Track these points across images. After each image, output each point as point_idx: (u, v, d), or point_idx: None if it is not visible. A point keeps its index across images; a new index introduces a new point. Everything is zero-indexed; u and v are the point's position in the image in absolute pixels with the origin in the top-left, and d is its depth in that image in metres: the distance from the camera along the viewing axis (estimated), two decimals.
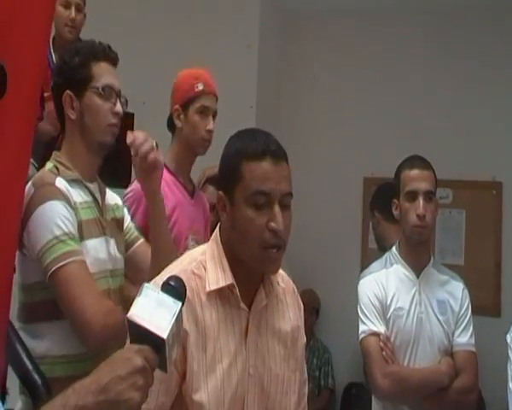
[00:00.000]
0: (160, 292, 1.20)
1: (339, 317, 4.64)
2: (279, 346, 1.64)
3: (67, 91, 1.97)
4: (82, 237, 1.89)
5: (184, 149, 2.59)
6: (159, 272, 1.78)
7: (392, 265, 2.60)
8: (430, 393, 2.46)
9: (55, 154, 2.03)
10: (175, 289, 1.22)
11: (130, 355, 1.11)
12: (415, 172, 2.52)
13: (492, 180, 4.33)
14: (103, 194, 2.06)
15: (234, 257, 1.58)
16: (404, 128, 4.43)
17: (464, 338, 2.53)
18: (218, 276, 1.56)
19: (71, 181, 1.94)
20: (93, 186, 2.02)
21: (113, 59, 2.01)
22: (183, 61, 4.09)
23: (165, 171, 2.45)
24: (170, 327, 1.15)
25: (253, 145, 1.53)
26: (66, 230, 1.83)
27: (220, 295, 1.56)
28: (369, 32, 4.65)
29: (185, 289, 1.25)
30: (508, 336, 2.41)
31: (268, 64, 4.50)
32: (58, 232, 1.82)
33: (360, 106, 4.55)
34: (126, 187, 2.48)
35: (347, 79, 4.65)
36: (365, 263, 4.32)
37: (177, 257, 1.93)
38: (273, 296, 1.65)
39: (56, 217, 1.83)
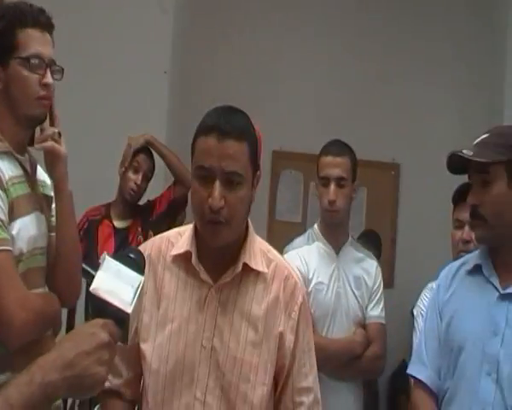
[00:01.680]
0: (121, 265, 1.19)
1: None
2: (247, 329, 1.62)
3: None
4: (13, 217, 1.81)
5: None
6: (62, 274, 1.92)
7: (313, 241, 2.75)
8: (345, 361, 2.65)
9: None
10: (135, 261, 1.23)
11: (96, 330, 1.11)
12: (328, 158, 2.66)
13: (392, 162, 4.60)
14: (34, 167, 1.97)
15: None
16: (312, 105, 4.57)
17: (376, 311, 2.74)
18: (183, 244, 1.65)
19: (1, 154, 1.83)
20: (23, 159, 1.92)
21: (44, 24, 1.85)
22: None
23: None
24: (134, 302, 1.16)
25: (207, 121, 1.57)
26: None
27: (185, 262, 1.64)
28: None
29: (144, 262, 1.28)
30: (414, 310, 2.67)
31: (183, 30, 4.48)
32: None
33: (271, 76, 4.62)
34: None
35: (262, 47, 4.69)
36: (272, 235, 4.49)
37: (79, 263, 2.02)
38: (249, 278, 1.64)
39: None
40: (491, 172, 1.83)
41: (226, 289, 1.63)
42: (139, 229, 3.44)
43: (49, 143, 1.89)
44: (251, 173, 1.61)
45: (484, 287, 1.87)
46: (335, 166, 2.63)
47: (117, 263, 1.19)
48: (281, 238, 2.89)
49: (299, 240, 2.80)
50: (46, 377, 1.06)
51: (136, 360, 1.66)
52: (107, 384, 1.61)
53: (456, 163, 1.90)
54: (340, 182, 2.63)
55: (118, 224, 3.47)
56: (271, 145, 4.64)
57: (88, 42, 4.05)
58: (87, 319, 2.51)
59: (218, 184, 1.53)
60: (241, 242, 1.65)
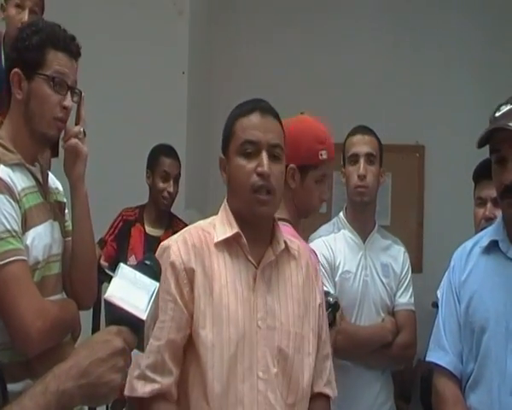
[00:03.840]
0: (137, 272, 1.19)
1: None
2: (292, 303, 1.72)
3: (16, 69, 1.87)
4: (26, 227, 1.84)
5: (298, 211, 2.28)
6: (78, 276, 1.95)
7: (339, 230, 2.74)
8: (375, 348, 2.63)
9: None
10: (150, 268, 1.22)
11: (110, 337, 1.11)
12: (357, 137, 2.68)
13: (416, 144, 4.55)
14: (45, 176, 2.00)
15: (239, 215, 1.71)
16: (332, 94, 4.54)
17: (405, 299, 2.73)
18: (225, 229, 1.71)
19: (13, 165, 1.86)
20: (35, 169, 1.95)
21: (73, 52, 1.92)
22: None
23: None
24: (149, 308, 1.15)
25: (245, 106, 1.74)
26: (9, 226, 1.77)
27: (228, 247, 1.70)
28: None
29: (160, 269, 1.27)
30: (438, 291, 2.65)
31: (200, 30, 4.50)
32: None
33: (291, 68, 4.59)
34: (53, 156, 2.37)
35: (275, 42, 4.66)
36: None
37: (95, 264, 2.05)
38: (284, 256, 1.74)
39: None
40: None
41: (268, 268, 1.72)
42: None
43: (73, 141, 1.94)
44: (284, 157, 1.74)
45: (502, 263, 1.84)
46: (365, 143, 2.65)
47: (132, 270, 1.20)
48: (306, 229, 2.87)
49: (324, 228, 2.80)
50: (61, 385, 1.06)
51: (181, 355, 1.67)
52: (155, 386, 1.62)
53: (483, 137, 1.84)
54: (369, 158, 2.62)
55: (150, 230, 3.45)
56: None
57: (105, 45, 4.09)
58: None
59: (264, 154, 1.66)
60: (273, 223, 1.76)
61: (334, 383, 1.84)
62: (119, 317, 1.14)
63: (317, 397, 1.79)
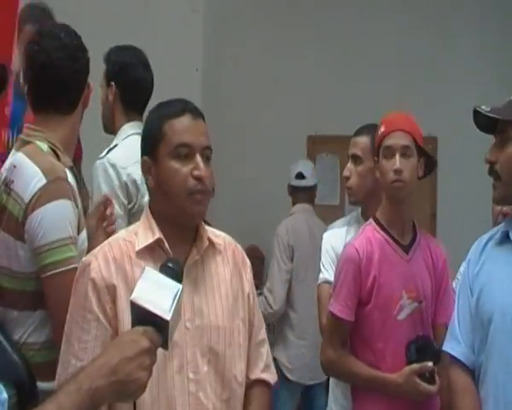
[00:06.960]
0: (160, 274, 1.28)
1: None
2: (220, 299, 1.72)
3: None
4: (78, 230, 1.95)
5: (386, 199, 2.38)
6: None
7: (353, 224, 2.77)
8: None
9: (39, 131, 1.99)
10: (173, 270, 1.31)
11: (137, 337, 1.19)
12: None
13: (428, 136, 4.55)
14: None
15: (163, 217, 1.69)
16: (347, 87, 4.58)
17: None
18: (146, 235, 1.68)
19: (68, 168, 1.96)
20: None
21: None
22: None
23: (376, 229, 2.35)
24: (173, 309, 1.23)
25: (173, 106, 1.71)
26: (72, 234, 1.88)
27: (151, 254, 1.67)
28: None
29: (182, 271, 1.35)
30: (453, 283, 2.68)
31: (214, 27, 4.55)
32: (64, 235, 1.87)
33: (304, 64, 4.66)
34: None
35: (289, 38, 4.73)
36: None
37: None
38: (209, 252, 1.74)
39: (66, 219, 1.88)
40: (508, 131, 1.82)
41: (194, 267, 1.70)
42: None
43: (113, 228, 2.13)
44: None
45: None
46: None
47: (156, 273, 1.28)
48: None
49: (339, 221, 2.79)
50: (93, 383, 1.14)
51: None
52: None
53: (484, 121, 1.89)
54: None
55: None
56: (306, 131, 4.68)
57: (118, 41, 4.14)
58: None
59: (199, 157, 1.66)
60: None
61: (273, 368, 1.85)
62: (145, 317, 1.22)
63: (254, 384, 1.79)
